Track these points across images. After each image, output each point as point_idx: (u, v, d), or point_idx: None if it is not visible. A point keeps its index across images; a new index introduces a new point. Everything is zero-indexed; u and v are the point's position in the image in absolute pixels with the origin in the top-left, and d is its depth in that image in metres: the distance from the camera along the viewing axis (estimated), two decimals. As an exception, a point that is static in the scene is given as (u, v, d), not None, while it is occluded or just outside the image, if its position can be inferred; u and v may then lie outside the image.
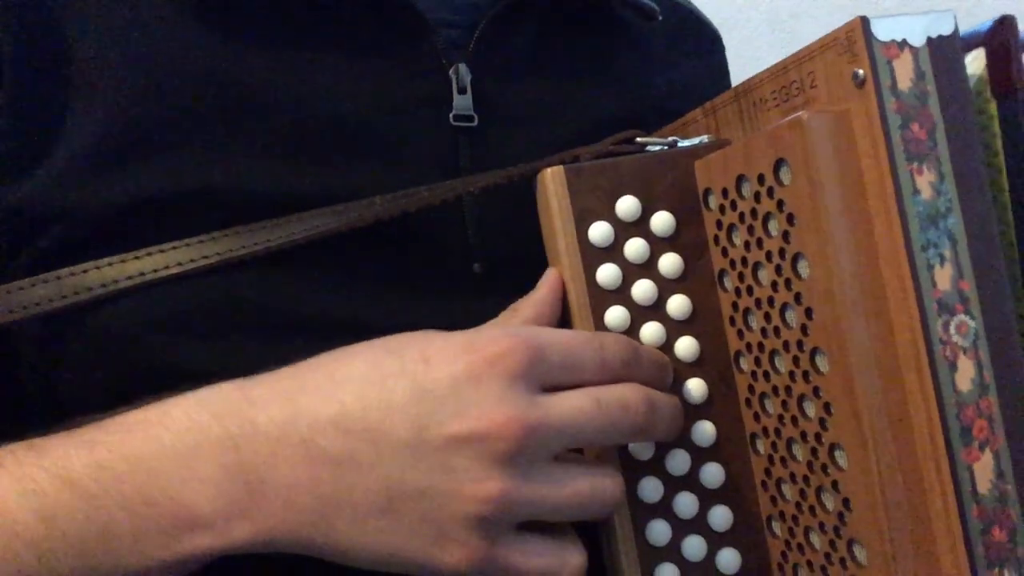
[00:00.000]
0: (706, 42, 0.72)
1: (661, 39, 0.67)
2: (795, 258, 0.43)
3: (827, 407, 0.43)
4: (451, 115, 0.55)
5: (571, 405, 0.44)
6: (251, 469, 0.43)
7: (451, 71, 0.55)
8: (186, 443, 0.43)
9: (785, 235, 0.44)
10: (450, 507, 0.42)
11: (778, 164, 0.43)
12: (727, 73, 0.73)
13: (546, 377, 0.44)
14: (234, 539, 0.43)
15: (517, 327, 0.47)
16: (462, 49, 0.56)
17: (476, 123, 0.56)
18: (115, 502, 0.42)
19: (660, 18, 0.66)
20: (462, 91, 0.55)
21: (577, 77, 0.61)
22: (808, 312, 0.43)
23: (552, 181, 0.49)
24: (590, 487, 0.45)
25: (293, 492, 0.43)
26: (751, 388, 0.48)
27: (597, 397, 0.44)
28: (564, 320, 0.50)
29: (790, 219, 0.43)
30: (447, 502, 0.42)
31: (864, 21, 0.40)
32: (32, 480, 0.43)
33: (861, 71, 0.41)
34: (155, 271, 0.49)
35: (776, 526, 0.49)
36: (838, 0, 1.50)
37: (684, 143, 0.52)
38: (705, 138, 0.51)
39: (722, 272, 0.49)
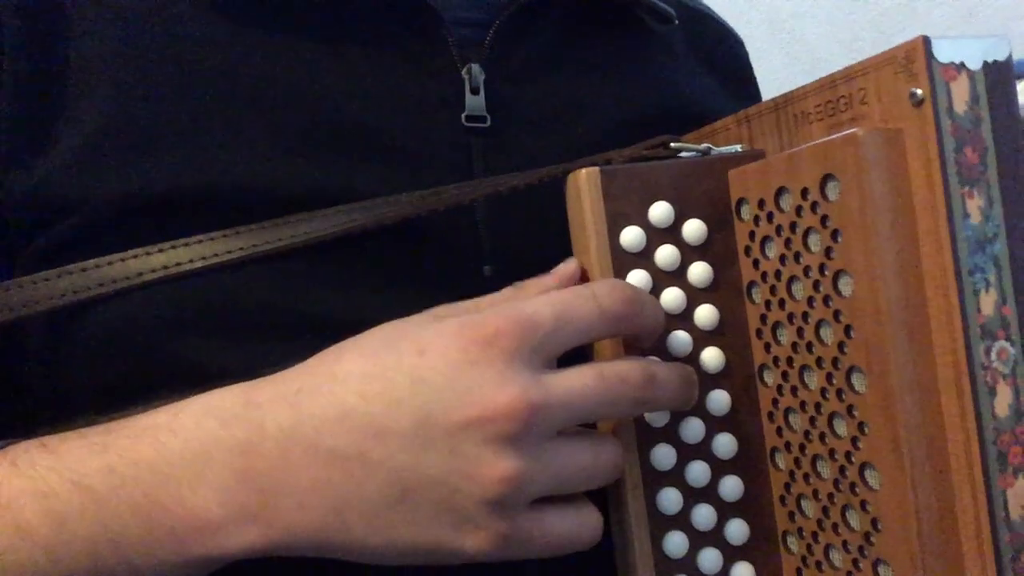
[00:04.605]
0: (733, 46, 0.71)
1: (680, 44, 0.66)
2: (837, 275, 0.43)
3: (861, 426, 0.43)
4: (463, 116, 0.54)
5: (574, 381, 0.43)
6: (263, 473, 0.42)
7: (464, 71, 0.54)
8: (194, 449, 0.43)
9: (827, 251, 0.43)
10: (465, 492, 0.42)
11: (825, 179, 0.43)
12: (751, 78, 0.72)
13: (544, 347, 0.43)
14: (246, 543, 0.42)
15: (504, 305, 0.46)
16: (477, 48, 0.55)
17: (489, 124, 0.55)
18: (126, 506, 0.42)
19: (676, 22, 0.65)
20: (475, 91, 0.54)
21: (594, 80, 0.60)
22: (847, 330, 0.43)
23: (586, 182, 0.48)
24: (592, 456, 0.45)
25: (305, 494, 0.42)
26: (775, 402, 0.48)
27: (600, 371, 0.44)
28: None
29: (834, 235, 0.43)
30: (461, 488, 0.42)
31: (926, 41, 0.40)
32: (44, 482, 0.42)
33: (919, 91, 0.40)
34: (178, 265, 0.48)
35: (792, 542, 0.48)
36: (838, 0, 1.51)
37: (718, 151, 0.51)
38: (739, 147, 0.51)
39: (751, 283, 0.49)
